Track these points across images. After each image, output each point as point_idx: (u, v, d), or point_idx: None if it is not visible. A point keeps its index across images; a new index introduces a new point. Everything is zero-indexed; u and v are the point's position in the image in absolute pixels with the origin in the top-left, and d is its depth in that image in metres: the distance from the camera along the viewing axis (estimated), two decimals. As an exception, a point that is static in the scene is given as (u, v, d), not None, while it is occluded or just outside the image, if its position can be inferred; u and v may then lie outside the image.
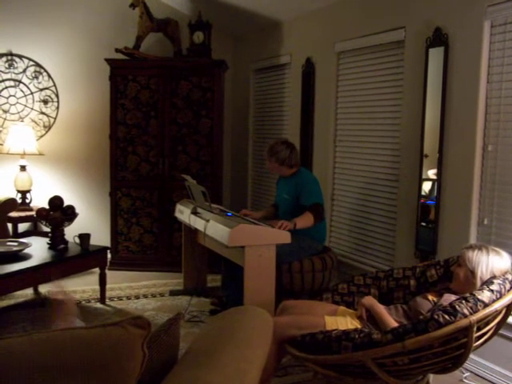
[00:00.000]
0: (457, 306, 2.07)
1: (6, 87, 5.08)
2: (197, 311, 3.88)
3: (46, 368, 1.08)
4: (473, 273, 2.34)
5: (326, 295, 2.84)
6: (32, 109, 5.17)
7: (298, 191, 3.66)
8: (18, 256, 3.57)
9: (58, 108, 5.24)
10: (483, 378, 2.92)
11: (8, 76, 5.07)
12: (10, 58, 5.05)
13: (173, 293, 4.30)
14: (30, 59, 5.11)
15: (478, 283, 2.31)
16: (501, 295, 2.15)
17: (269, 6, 4.69)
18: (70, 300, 1.85)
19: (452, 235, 3.11)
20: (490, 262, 2.33)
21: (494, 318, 2.20)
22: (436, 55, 3.15)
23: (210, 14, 5.08)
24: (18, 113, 5.14)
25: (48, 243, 3.90)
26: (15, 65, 5.07)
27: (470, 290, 2.26)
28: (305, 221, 3.49)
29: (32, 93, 5.16)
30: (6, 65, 5.05)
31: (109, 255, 4.33)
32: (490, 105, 2.91)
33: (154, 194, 4.97)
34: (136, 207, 4.98)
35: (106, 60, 4.87)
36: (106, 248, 4.09)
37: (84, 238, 3.89)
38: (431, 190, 3.28)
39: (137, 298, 4.22)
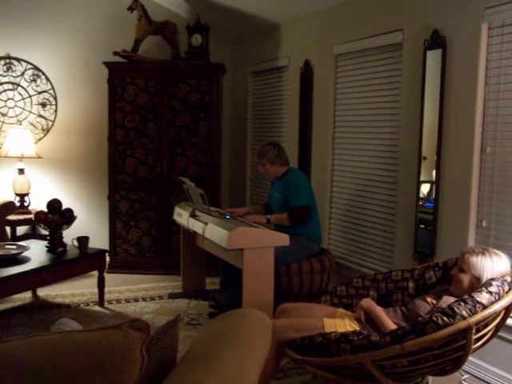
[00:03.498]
0: (455, 308, 2.07)
1: (5, 90, 5.08)
2: (195, 314, 3.88)
3: (44, 371, 1.08)
4: (478, 279, 2.33)
5: (324, 297, 2.84)
6: (30, 112, 5.17)
7: (286, 190, 3.72)
8: (17, 259, 3.57)
9: (56, 111, 5.24)
10: (482, 380, 2.91)
11: (6, 79, 5.07)
12: (8, 61, 5.05)
13: (171, 296, 4.30)
14: (28, 62, 5.11)
15: None
16: (499, 297, 2.15)
17: (267, 8, 4.70)
18: None
19: (450, 237, 3.11)
20: (495, 267, 2.32)
21: (493, 319, 2.19)
22: (434, 57, 3.15)
23: (208, 17, 5.09)
24: (17, 116, 5.14)
25: (46, 246, 3.90)
26: (13, 68, 5.08)
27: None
28: (279, 220, 3.67)
29: (30, 96, 5.16)
30: (4, 68, 5.05)
31: (107, 258, 4.32)
32: (488, 107, 2.92)
33: (152, 197, 4.97)
34: (134, 210, 4.97)
35: (105, 63, 4.87)
36: (104, 251, 4.09)
37: (82, 240, 3.89)
38: (429, 192, 3.28)
39: (135, 300, 4.22)
